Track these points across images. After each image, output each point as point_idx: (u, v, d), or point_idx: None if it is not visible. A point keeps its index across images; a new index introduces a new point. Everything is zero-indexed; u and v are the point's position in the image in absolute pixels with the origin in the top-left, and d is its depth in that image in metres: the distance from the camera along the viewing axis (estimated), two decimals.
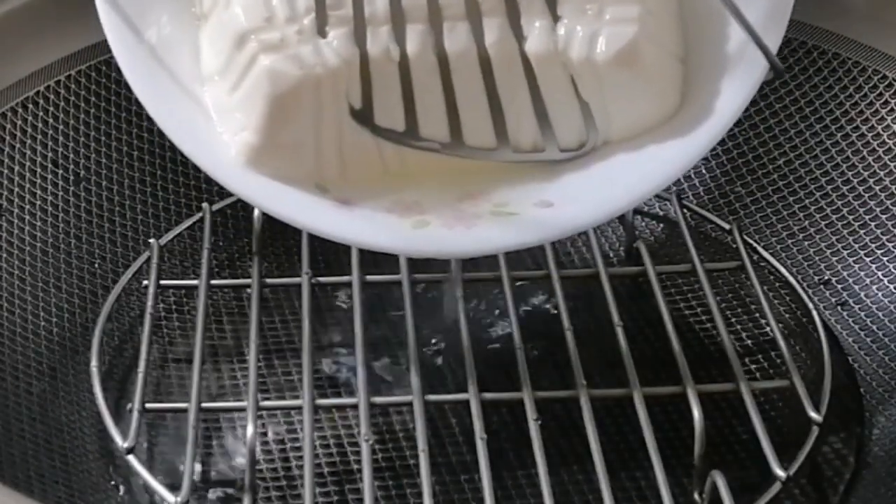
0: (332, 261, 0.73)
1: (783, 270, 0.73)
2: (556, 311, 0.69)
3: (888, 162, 0.74)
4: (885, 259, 0.72)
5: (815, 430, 0.62)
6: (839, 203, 0.75)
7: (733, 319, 0.72)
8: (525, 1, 0.58)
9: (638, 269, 0.71)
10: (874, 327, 0.71)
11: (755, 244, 0.74)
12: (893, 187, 0.73)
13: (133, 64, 0.58)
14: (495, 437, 0.62)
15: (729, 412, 0.66)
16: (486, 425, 0.61)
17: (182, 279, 0.73)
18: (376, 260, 0.69)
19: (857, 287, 0.72)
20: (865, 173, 0.74)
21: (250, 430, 0.60)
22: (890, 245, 0.72)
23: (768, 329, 0.68)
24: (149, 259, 0.71)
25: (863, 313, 0.71)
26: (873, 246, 0.73)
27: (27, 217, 0.72)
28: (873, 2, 0.76)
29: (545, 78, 0.58)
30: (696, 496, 0.60)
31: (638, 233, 0.76)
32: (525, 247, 0.59)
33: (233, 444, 0.65)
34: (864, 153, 0.75)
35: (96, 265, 0.73)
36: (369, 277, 0.69)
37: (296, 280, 0.70)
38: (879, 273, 0.72)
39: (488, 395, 0.62)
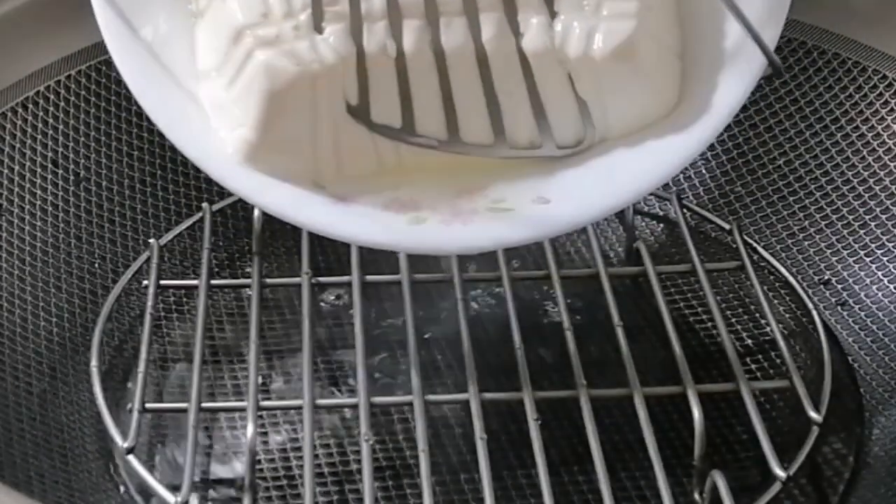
0: (332, 261, 0.73)
1: (783, 270, 0.73)
2: (556, 311, 0.69)
3: (888, 162, 0.74)
4: (885, 259, 0.72)
5: (815, 431, 0.62)
6: (839, 203, 0.75)
7: (733, 319, 0.72)
8: None
9: (638, 269, 0.71)
10: (874, 327, 0.70)
11: (755, 244, 0.74)
12: (893, 187, 0.73)
13: (129, 60, 0.58)
14: (495, 437, 0.62)
15: (729, 412, 0.65)
16: (486, 425, 0.60)
17: (182, 279, 0.73)
18: (376, 260, 0.69)
19: (857, 287, 0.72)
20: (865, 173, 0.74)
21: (250, 430, 0.60)
22: (890, 245, 0.72)
23: (768, 329, 0.67)
24: (149, 259, 0.71)
25: (863, 313, 0.71)
26: (873, 246, 0.73)
27: (27, 217, 0.72)
28: (873, 2, 0.76)
29: (542, 74, 0.58)
30: (696, 496, 0.60)
31: (638, 233, 0.75)
32: (522, 243, 0.59)
33: (233, 444, 0.65)
34: (864, 153, 0.75)
35: (96, 265, 0.73)
36: (369, 277, 0.69)
37: (296, 280, 0.70)
38: (879, 273, 0.72)
39: (488, 395, 0.62)
